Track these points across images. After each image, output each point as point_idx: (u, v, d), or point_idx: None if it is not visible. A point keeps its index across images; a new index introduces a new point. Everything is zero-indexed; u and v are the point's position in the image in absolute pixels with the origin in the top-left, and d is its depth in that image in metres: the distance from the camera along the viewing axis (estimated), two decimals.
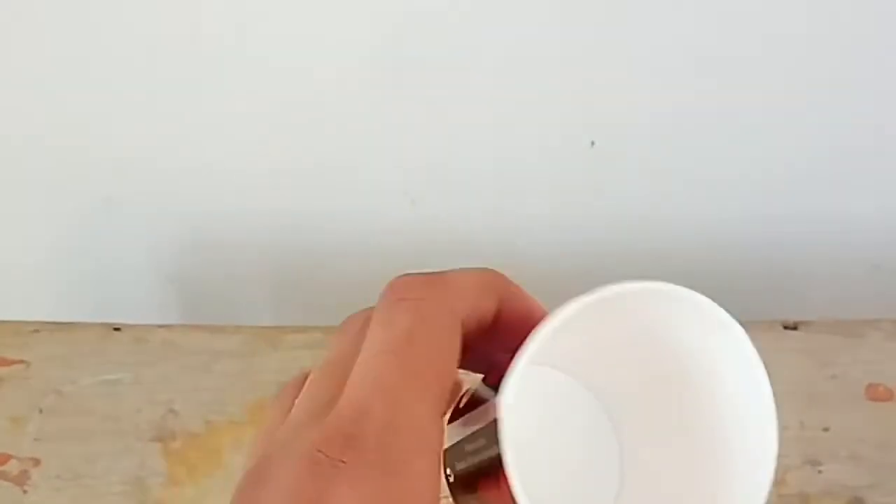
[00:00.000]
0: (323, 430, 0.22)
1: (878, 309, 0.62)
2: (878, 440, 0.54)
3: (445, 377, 0.24)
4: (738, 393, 0.27)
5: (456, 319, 0.25)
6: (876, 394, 0.56)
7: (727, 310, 0.27)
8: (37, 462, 0.53)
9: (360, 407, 0.22)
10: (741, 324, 0.26)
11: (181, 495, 0.52)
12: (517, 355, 0.24)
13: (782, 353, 0.57)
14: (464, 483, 0.26)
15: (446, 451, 0.27)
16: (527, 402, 0.28)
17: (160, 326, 0.59)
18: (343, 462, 0.21)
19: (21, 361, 0.57)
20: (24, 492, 0.52)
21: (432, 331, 0.24)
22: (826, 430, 0.54)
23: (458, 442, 0.27)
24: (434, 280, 0.26)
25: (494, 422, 0.24)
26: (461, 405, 0.28)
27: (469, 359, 0.26)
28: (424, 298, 0.25)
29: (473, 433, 0.26)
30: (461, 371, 0.26)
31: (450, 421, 0.28)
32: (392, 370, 0.23)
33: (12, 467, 0.53)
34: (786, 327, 0.58)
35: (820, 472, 0.52)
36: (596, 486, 0.29)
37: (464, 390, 0.28)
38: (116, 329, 0.59)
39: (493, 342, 0.26)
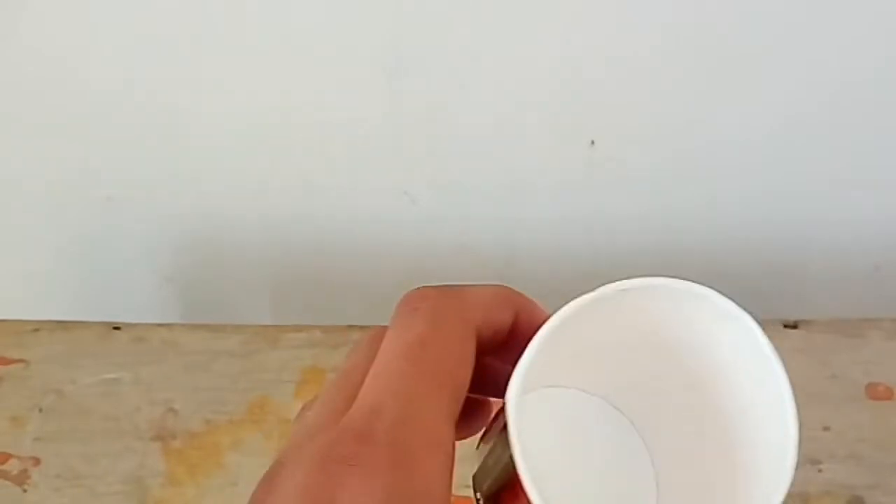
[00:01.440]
0: (335, 430, 0.23)
1: (879, 308, 0.63)
2: (878, 440, 0.54)
3: (458, 380, 0.24)
4: (754, 385, 0.27)
5: (469, 327, 0.25)
6: (876, 393, 0.56)
7: None
8: (37, 461, 0.53)
9: (372, 407, 0.23)
10: None
11: (181, 495, 0.52)
12: (524, 352, 0.25)
13: (782, 353, 0.56)
14: (492, 502, 0.26)
15: (474, 475, 0.27)
16: (555, 425, 0.28)
17: (160, 326, 0.59)
18: (354, 458, 0.22)
19: (21, 361, 0.57)
20: (24, 491, 0.52)
21: (445, 336, 0.25)
22: (826, 429, 0.54)
23: (482, 461, 0.27)
24: (448, 291, 0.26)
25: (506, 426, 0.24)
26: (489, 429, 0.28)
27: (488, 373, 0.26)
28: (438, 307, 0.25)
29: (492, 446, 0.26)
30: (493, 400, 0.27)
31: (477, 445, 0.28)
32: (404, 373, 0.24)
33: (12, 467, 0.53)
34: (786, 326, 0.58)
35: (820, 471, 0.52)
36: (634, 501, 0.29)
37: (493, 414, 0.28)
38: (116, 328, 0.59)
39: (510, 356, 0.26)
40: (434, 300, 0.25)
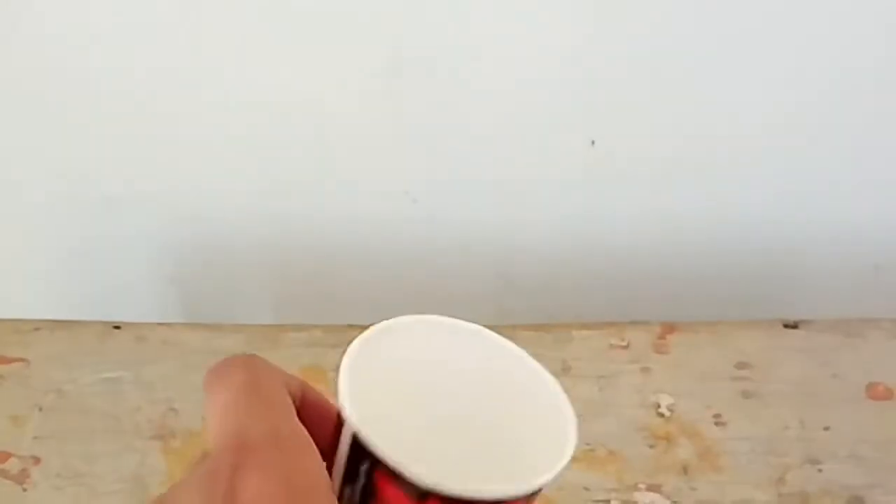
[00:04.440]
0: (208, 464, 0.24)
1: (879, 308, 0.63)
2: (878, 439, 0.54)
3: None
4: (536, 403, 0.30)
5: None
6: (876, 393, 0.56)
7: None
8: (37, 460, 0.53)
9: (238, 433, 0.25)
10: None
11: None
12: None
13: (783, 352, 0.57)
14: None
15: None
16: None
17: (160, 325, 0.59)
18: (241, 464, 0.23)
19: (21, 360, 0.57)
20: (25, 490, 0.52)
21: (259, 379, 0.27)
22: (826, 429, 0.54)
23: None
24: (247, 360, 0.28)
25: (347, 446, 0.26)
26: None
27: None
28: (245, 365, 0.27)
29: (342, 481, 0.27)
30: None
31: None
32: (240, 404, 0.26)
33: (12, 466, 0.53)
34: (786, 326, 0.58)
35: (820, 471, 0.52)
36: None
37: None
38: (117, 327, 0.59)
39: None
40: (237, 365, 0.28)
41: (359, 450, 0.26)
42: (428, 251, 0.70)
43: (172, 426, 0.54)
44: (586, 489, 0.51)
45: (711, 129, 0.64)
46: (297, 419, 0.25)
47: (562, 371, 0.56)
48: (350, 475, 0.27)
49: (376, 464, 0.26)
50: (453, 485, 0.26)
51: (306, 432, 0.25)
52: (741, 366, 0.56)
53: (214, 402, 0.26)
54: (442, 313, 0.31)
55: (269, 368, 0.27)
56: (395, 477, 0.26)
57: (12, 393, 0.56)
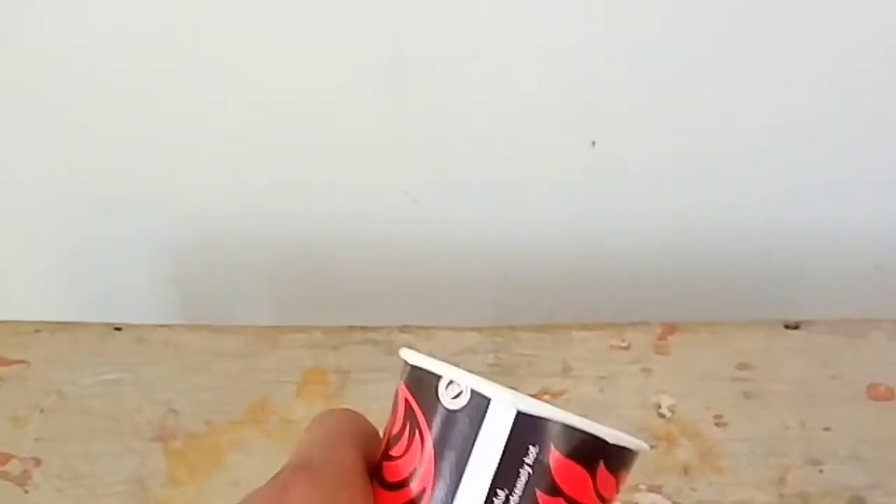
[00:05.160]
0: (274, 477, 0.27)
1: (880, 309, 0.63)
2: (878, 440, 0.54)
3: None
4: None
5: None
6: (877, 393, 0.56)
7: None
8: (38, 462, 0.53)
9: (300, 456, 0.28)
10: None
11: (181, 495, 0.52)
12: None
13: (783, 353, 0.57)
14: None
15: None
16: None
17: (161, 326, 0.59)
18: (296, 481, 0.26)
19: (21, 361, 0.57)
20: (26, 492, 0.52)
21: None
22: (827, 429, 0.54)
23: None
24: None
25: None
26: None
27: None
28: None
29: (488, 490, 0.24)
30: None
31: None
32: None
33: (13, 467, 0.53)
34: (787, 327, 0.58)
35: (820, 471, 0.52)
36: None
37: None
38: (117, 329, 0.59)
39: None
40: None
41: (525, 434, 0.23)
42: (428, 251, 0.70)
43: (173, 427, 0.54)
44: None
45: (711, 129, 0.64)
46: (362, 465, 0.28)
47: (562, 372, 0.56)
48: (506, 475, 0.24)
49: (551, 442, 0.23)
50: (629, 438, 0.23)
51: (367, 479, 0.27)
52: (742, 366, 0.56)
53: (303, 435, 0.29)
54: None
55: (362, 423, 0.29)
56: (575, 449, 0.23)
57: (13, 394, 0.56)
